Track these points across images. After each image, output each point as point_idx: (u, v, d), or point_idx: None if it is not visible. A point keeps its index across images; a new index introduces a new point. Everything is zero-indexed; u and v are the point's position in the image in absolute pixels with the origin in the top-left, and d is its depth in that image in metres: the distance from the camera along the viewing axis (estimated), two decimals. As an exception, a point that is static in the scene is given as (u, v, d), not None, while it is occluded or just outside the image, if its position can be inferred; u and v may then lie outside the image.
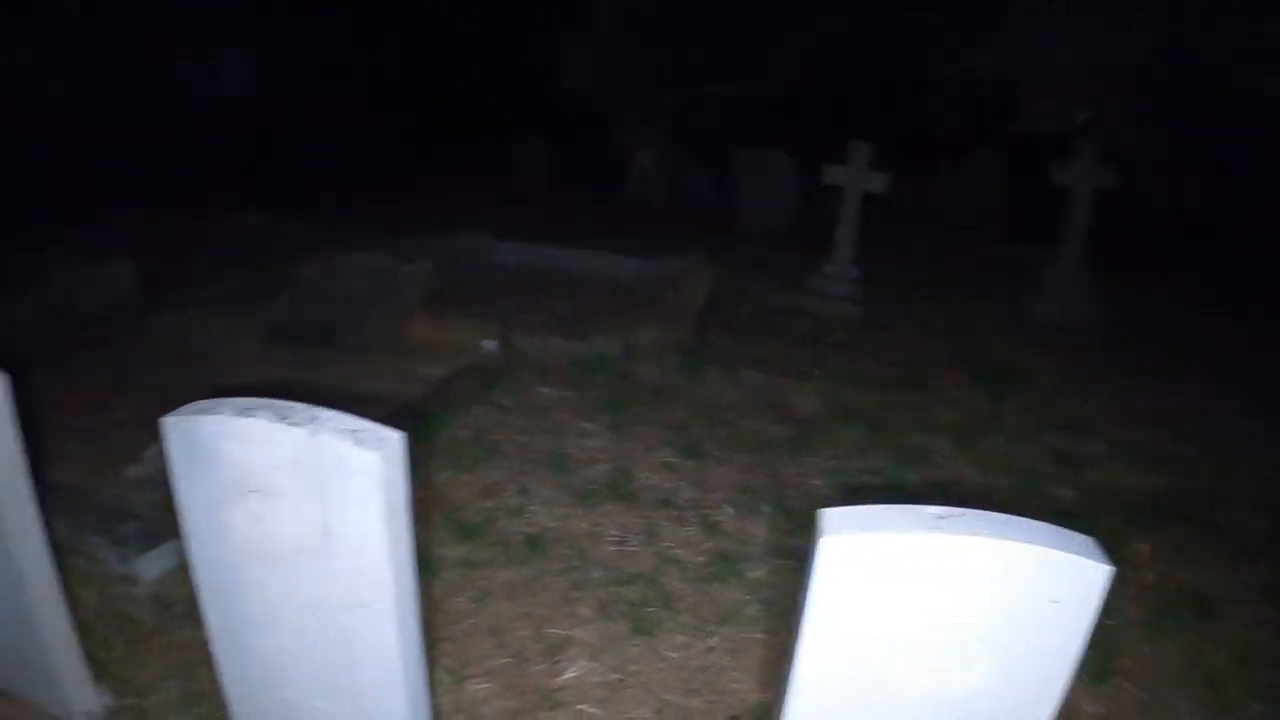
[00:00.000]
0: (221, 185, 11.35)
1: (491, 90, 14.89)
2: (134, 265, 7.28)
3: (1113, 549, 1.70)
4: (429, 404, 5.11)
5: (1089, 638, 1.74)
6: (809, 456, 4.87)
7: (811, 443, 5.02)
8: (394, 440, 1.95)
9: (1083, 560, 1.66)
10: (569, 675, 3.25)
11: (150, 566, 3.65)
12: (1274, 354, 7.13)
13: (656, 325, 6.10)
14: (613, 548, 3.96)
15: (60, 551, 2.96)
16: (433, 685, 2.53)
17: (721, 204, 11.34)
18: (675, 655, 3.37)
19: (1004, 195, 11.52)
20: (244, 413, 2.02)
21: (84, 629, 2.99)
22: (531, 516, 4.16)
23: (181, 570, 3.69)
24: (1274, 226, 9.82)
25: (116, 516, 3.88)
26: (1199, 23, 9.17)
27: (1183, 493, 4.81)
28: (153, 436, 4.76)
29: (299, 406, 2.04)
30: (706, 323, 6.69)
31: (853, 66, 11.86)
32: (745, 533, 4.12)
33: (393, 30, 15.77)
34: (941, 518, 1.71)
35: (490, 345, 5.89)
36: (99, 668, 3.09)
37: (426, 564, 3.66)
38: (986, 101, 11.90)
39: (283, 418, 1.98)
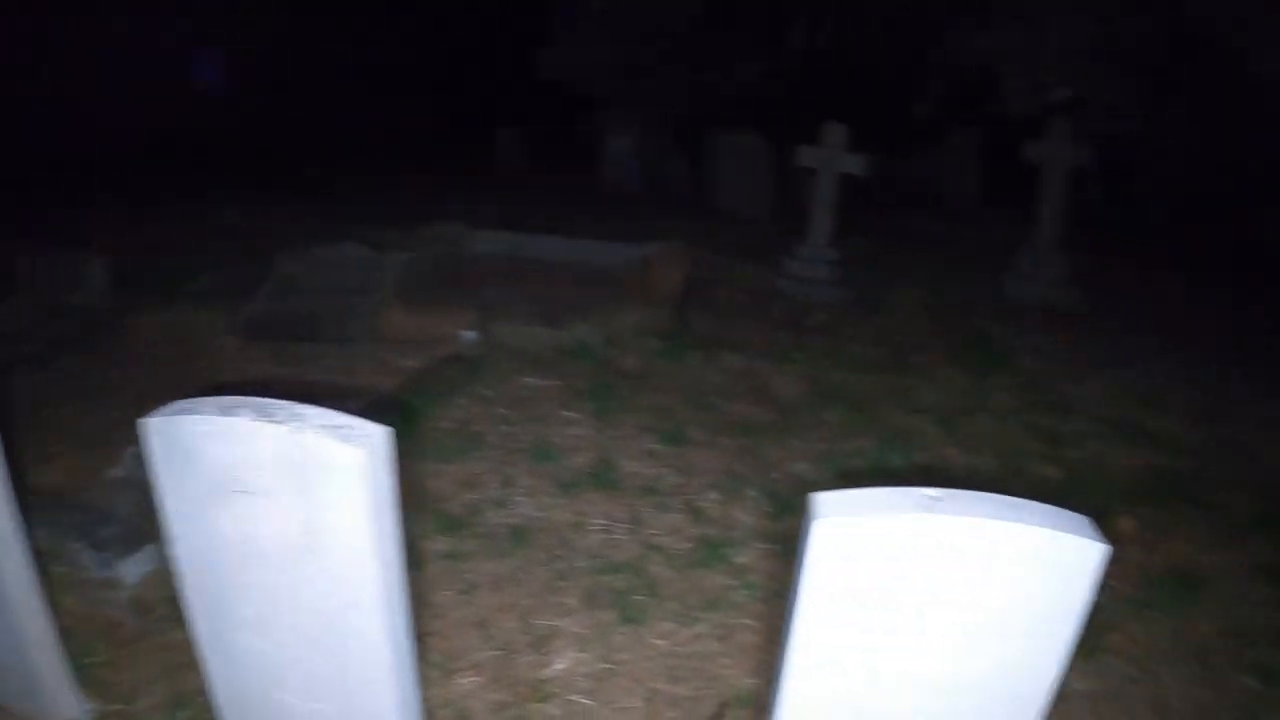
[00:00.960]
0: (199, 178, 11.24)
1: (475, 78, 14.85)
2: (108, 261, 7.19)
3: (1101, 527, 1.69)
4: (411, 395, 5.07)
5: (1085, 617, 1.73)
6: (794, 440, 4.86)
7: (796, 426, 5.01)
8: (378, 436, 1.91)
9: (1078, 539, 1.65)
10: (557, 666, 3.23)
11: (131, 570, 3.60)
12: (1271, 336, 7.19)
13: (637, 311, 6.08)
14: (597, 537, 3.94)
15: (41, 557, 2.91)
16: (421, 679, 2.51)
17: (698, 189, 11.31)
18: (663, 643, 3.36)
19: (986, 176, 11.55)
20: (226, 411, 1.97)
21: (66, 635, 2.94)
22: (515, 507, 4.12)
23: (163, 573, 3.64)
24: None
25: (97, 520, 3.82)
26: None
27: (1169, 470, 4.84)
28: (133, 438, 4.73)
29: (282, 404, 2.00)
30: (687, 308, 6.67)
31: (836, 52, 11.84)
32: (730, 518, 4.11)
33: (376, 23, 15.71)
34: (936, 499, 1.69)
35: (469, 335, 5.83)
36: (83, 674, 3.04)
37: (411, 557, 3.61)
38: (970, 83, 11.90)
39: (266, 416, 1.93)
